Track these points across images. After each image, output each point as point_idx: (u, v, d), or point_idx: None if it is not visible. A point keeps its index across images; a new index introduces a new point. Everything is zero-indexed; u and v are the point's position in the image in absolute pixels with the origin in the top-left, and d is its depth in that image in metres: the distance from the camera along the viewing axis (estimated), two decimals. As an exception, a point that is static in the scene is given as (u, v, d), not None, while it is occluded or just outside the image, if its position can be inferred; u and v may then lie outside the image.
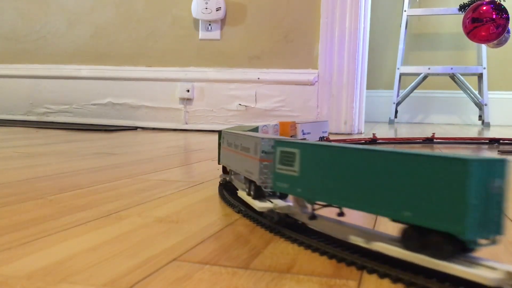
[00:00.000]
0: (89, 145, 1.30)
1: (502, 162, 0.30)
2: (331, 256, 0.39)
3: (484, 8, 1.86)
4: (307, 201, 0.43)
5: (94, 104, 2.21)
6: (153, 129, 2.11)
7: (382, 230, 0.44)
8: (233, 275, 0.35)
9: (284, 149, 0.44)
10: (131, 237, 0.45)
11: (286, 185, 0.44)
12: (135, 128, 2.11)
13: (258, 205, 0.48)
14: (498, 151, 1.37)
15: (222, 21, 2.08)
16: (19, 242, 0.42)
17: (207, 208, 0.57)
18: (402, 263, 0.35)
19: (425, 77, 3.17)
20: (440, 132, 2.19)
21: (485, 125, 3.00)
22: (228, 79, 2.06)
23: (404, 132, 2.21)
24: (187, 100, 2.10)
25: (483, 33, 1.87)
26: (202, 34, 2.09)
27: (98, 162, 0.97)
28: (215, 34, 2.08)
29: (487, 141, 1.62)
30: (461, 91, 3.33)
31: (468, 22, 1.90)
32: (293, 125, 1.17)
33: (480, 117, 3.13)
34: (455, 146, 1.51)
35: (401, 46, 3.19)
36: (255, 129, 0.91)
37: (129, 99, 2.17)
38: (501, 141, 1.59)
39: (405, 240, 0.34)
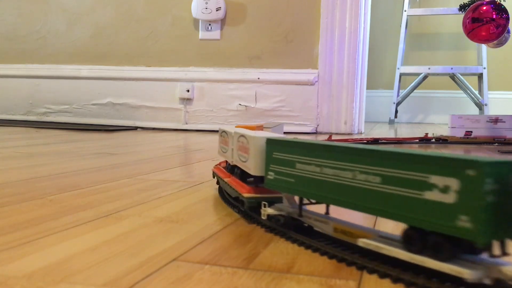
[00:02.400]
0: (89, 145, 1.30)
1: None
2: (331, 256, 0.39)
3: (484, 8, 1.86)
4: None
5: (94, 104, 2.21)
6: (153, 129, 2.11)
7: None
8: (233, 275, 0.35)
9: None
10: (131, 237, 0.45)
11: None
12: (135, 128, 2.11)
13: None
14: (498, 151, 1.37)
15: (222, 21, 2.08)
16: (19, 242, 0.42)
17: (207, 208, 0.57)
18: (402, 263, 0.35)
19: (425, 77, 3.17)
20: (441, 132, 2.19)
21: (485, 125, 3.00)
22: (228, 79, 2.06)
23: (404, 132, 2.21)
24: (187, 100, 2.10)
25: (483, 33, 1.87)
26: (202, 34, 2.09)
27: (98, 162, 0.97)
28: (215, 34, 2.08)
29: (366, 141, 1.56)
30: (461, 91, 3.33)
31: (468, 22, 1.90)
32: (260, 129, 0.94)
33: (480, 117, 3.13)
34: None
35: (401, 46, 3.19)
36: None
37: (129, 99, 2.17)
38: (379, 141, 1.53)
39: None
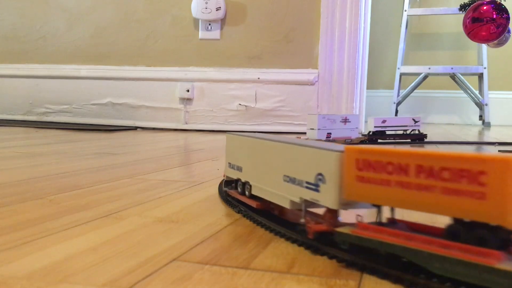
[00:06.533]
0: (89, 145, 1.30)
1: None
2: (331, 256, 0.39)
3: (485, 8, 1.86)
4: None
5: (94, 104, 2.21)
6: (153, 129, 2.11)
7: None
8: (233, 275, 0.35)
9: None
10: (131, 237, 0.45)
11: None
12: (135, 128, 2.11)
13: None
14: (499, 150, 1.37)
15: (222, 21, 2.08)
16: (19, 242, 0.42)
17: (207, 208, 0.57)
18: (403, 264, 0.35)
19: (425, 77, 3.17)
20: (440, 132, 2.19)
21: (486, 125, 3.00)
22: (228, 79, 2.06)
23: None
24: (187, 100, 2.10)
25: (484, 33, 1.87)
26: (202, 34, 2.09)
27: (98, 162, 0.97)
28: (215, 34, 2.08)
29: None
30: (462, 91, 3.33)
31: (469, 22, 1.90)
32: None
33: (481, 117, 3.13)
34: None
35: (401, 46, 3.19)
36: None
37: (129, 99, 2.17)
38: None
39: None
